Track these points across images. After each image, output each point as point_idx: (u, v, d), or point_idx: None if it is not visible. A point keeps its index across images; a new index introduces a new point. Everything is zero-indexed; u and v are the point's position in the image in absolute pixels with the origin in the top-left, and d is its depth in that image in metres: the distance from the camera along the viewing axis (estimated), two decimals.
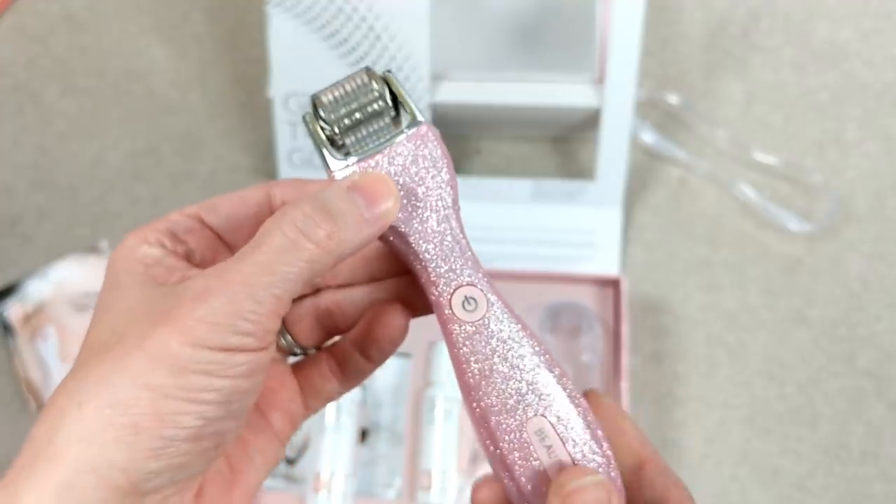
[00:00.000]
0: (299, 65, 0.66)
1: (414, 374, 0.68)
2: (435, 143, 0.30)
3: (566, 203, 0.70)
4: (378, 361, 0.33)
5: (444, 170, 0.30)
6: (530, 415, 0.29)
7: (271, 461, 0.32)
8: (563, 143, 0.75)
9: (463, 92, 0.68)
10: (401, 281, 0.33)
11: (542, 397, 0.29)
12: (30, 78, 0.78)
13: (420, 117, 0.30)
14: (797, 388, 0.67)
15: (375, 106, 0.30)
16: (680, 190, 0.73)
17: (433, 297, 0.30)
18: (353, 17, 0.64)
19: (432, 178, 0.30)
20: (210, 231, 0.31)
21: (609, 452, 0.28)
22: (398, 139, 0.30)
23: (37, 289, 0.71)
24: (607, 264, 0.69)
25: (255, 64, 0.77)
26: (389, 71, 0.31)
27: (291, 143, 0.69)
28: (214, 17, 0.80)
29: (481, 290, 0.30)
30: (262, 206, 0.32)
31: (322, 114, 0.30)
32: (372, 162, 0.30)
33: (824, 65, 0.75)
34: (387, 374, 0.68)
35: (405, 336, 0.32)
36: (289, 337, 0.33)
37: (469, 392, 0.29)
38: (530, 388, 0.29)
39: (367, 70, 0.30)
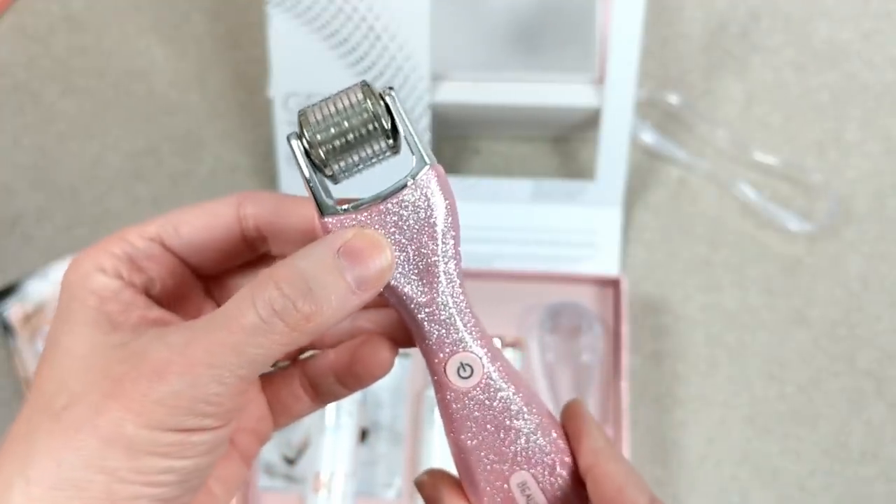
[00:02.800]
0: (299, 65, 0.66)
1: (414, 374, 0.68)
2: (440, 192, 0.27)
3: (566, 203, 0.70)
4: (354, 390, 0.31)
5: (449, 222, 0.27)
6: (515, 469, 0.29)
7: (234, 487, 0.30)
8: (563, 143, 0.75)
9: (463, 92, 0.68)
10: (387, 312, 0.31)
11: (528, 456, 0.29)
12: (30, 78, 0.78)
13: (427, 158, 0.27)
14: (797, 388, 0.67)
15: (369, 128, 0.26)
16: (680, 190, 0.72)
17: (427, 359, 0.28)
18: (353, 17, 0.64)
19: (435, 232, 0.27)
20: (172, 255, 0.29)
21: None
22: (402, 188, 0.27)
23: (37, 289, 0.71)
24: (607, 264, 0.69)
25: (255, 64, 0.77)
26: (391, 88, 0.27)
27: None
28: (214, 17, 0.80)
29: (477, 357, 0.28)
30: (231, 226, 0.29)
31: (307, 134, 0.26)
32: (367, 215, 0.26)
33: (824, 65, 0.75)
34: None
35: (389, 371, 0.30)
36: None
37: (457, 449, 0.29)
38: (518, 448, 0.29)
39: (364, 85, 0.27)
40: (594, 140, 0.68)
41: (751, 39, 0.77)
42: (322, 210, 0.26)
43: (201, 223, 0.28)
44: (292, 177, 0.70)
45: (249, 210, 0.29)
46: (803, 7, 0.77)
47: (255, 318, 0.24)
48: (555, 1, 0.69)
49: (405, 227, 0.27)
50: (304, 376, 0.32)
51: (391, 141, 0.27)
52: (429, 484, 0.30)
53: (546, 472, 0.29)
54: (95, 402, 0.24)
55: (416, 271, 0.27)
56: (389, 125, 0.27)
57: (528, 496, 0.29)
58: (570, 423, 0.29)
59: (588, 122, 0.69)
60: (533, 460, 0.29)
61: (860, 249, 0.70)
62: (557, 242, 0.69)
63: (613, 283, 0.68)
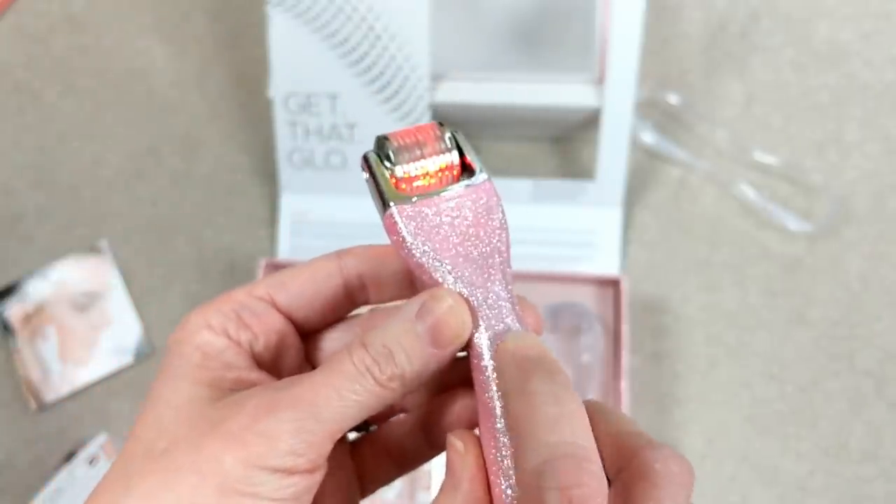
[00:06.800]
0: (299, 65, 0.66)
1: None
2: (497, 200, 0.30)
3: (566, 203, 0.70)
4: (441, 448, 0.30)
5: (503, 224, 0.30)
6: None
7: None
8: (563, 143, 0.75)
9: (463, 92, 0.68)
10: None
11: None
12: (30, 78, 0.78)
13: (484, 173, 0.30)
14: (797, 388, 0.67)
15: (444, 159, 0.30)
16: (680, 190, 0.72)
17: (468, 342, 0.29)
18: (353, 17, 0.64)
19: (490, 229, 0.30)
20: (278, 313, 0.30)
21: None
22: (459, 185, 0.30)
23: (37, 289, 0.71)
24: (607, 264, 0.69)
25: (255, 64, 0.77)
26: (456, 130, 0.31)
27: (291, 143, 0.69)
28: (214, 17, 0.80)
29: None
30: (334, 276, 0.31)
31: (392, 157, 0.29)
32: (428, 206, 0.29)
33: (824, 65, 0.75)
34: None
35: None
36: None
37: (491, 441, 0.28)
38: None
39: (440, 124, 0.30)
40: (594, 140, 0.68)
41: (751, 39, 0.77)
42: (385, 203, 0.29)
43: (306, 276, 0.30)
44: (292, 177, 0.70)
45: (350, 261, 0.31)
46: (803, 7, 0.77)
47: (352, 367, 0.26)
48: (555, 1, 0.69)
49: (460, 218, 0.29)
50: (390, 440, 0.32)
51: (458, 175, 0.30)
52: (457, 451, 0.27)
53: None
54: (195, 443, 0.25)
55: (468, 262, 0.29)
56: (458, 162, 0.30)
57: None
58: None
59: (588, 122, 0.69)
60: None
61: (860, 249, 0.70)
62: (557, 242, 0.69)
63: (613, 283, 0.68)
